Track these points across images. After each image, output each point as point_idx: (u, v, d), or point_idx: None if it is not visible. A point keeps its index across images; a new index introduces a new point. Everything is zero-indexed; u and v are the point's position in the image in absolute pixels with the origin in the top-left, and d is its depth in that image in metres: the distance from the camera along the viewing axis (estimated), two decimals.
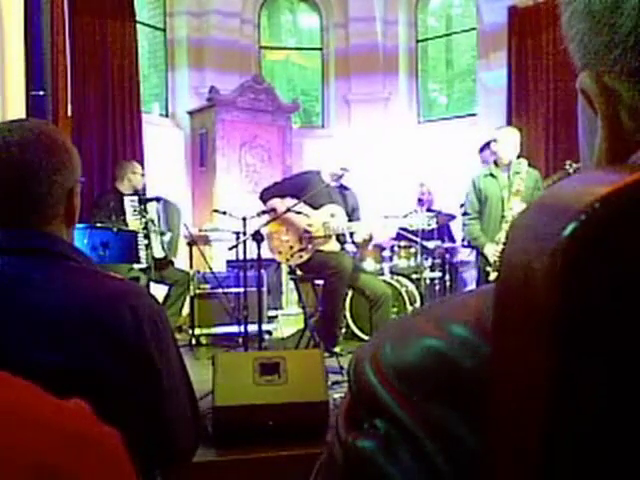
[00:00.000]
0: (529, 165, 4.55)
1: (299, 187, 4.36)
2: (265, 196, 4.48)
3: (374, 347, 0.41)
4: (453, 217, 6.13)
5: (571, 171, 4.54)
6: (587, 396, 0.29)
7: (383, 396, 0.38)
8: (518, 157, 4.52)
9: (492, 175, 4.54)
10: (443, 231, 6.18)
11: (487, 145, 5.74)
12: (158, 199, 5.19)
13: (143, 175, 5.38)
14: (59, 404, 0.54)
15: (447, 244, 6.14)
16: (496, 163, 4.57)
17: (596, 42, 0.38)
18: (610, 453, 0.29)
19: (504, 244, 0.35)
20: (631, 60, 0.36)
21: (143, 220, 4.98)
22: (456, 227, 6.14)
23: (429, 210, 6.30)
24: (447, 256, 6.07)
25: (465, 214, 4.67)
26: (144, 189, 5.79)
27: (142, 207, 5.04)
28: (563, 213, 0.30)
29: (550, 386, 0.30)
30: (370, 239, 4.62)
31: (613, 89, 0.38)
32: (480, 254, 4.57)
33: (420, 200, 6.65)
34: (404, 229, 5.53)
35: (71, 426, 0.51)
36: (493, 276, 4.37)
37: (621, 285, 0.29)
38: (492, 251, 4.39)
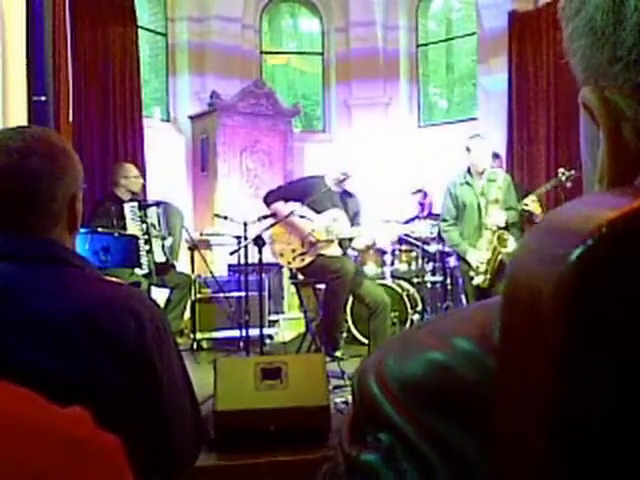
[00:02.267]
0: (506, 171, 4.64)
1: (303, 191, 4.38)
2: (269, 199, 4.49)
3: (378, 360, 0.41)
4: None
5: (563, 179, 4.58)
6: (592, 416, 0.29)
7: (387, 409, 0.38)
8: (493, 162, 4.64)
9: (467, 183, 4.62)
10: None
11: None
12: (158, 204, 5.16)
13: (137, 177, 5.23)
14: (59, 412, 0.54)
15: (448, 248, 6.13)
16: (470, 171, 4.64)
17: (598, 57, 0.38)
18: (613, 467, 0.29)
19: (510, 264, 0.35)
20: (633, 75, 0.36)
21: (144, 226, 4.97)
22: None
23: (430, 214, 6.30)
24: (446, 260, 6.07)
25: (443, 221, 4.73)
26: (144, 193, 5.78)
27: (142, 212, 5.03)
28: (570, 237, 0.30)
29: (555, 409, 0.30)
30: (373, 245, 4.63)
31: (615, 104, 0.38)
32: (462, 259, 4.63)
33: (421, 204, 6.66)
34: (406, 235, 5.54)
35: (71, 433, 0.51)
36: (476, 280, 4.43)
37: (628, 309, 0.29)
38: (475, 257, 4.46)
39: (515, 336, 0.33)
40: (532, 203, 4.56)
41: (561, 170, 4.68)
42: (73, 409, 0.55)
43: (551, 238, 0.32)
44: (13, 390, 0.54)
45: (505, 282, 0.35)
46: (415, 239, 5.42)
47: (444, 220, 4.72)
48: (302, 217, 4.27)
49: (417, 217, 6.16)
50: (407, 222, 5.83)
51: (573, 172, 4.54)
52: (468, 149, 4.60)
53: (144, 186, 6.40)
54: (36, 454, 0.48)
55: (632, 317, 0.29)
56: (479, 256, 4.43)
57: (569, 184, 4.54)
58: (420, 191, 6.77)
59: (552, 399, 0.30)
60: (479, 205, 4.54)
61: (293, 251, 4.39)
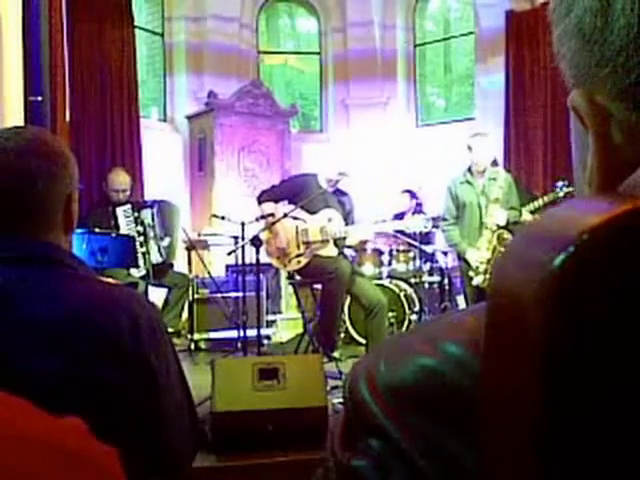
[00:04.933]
0: (507, 171, 4.63)
1: (296, 190, 4.38)
2: (262, 199, 4.49)
3: (369, 365, 0.41)
4: None
5: (561, 195, 4.60)
6: (574, 425, 0.29)
7: (378, 415, 0.38)
8: (493, 164, 4.60)
9: (468, 182, 4.59)
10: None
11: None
12: (152, 205, 5.14)
13: (116, 191, 5.13)
14: (54, 422, 0.53)
15: (447, 247, 6.13)
16: (470, 170, 4.61)
17: (586, 60, 0.38)
18: (599, 468, 0.29)
19: (493, 270, 0.35)
20: (621, 78, 0.36)
21: (139, 227, 4.97)
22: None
23: (419, 213, 6.29)
24: (441, 260, 6.06)
25: (443, 220, 4.71)
26: (141, 194, 5.75)
27: (136, 214, 5.02)
28: (551, 243, 0.30)
29: (537, 414, 0.30)
30: (366, 241, 4.63)
31: (604, 107, 0.38)
32: (462, 259, 4.61)
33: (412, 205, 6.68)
34: (401, 232, 5.52)
35: (65, 444, 0.51)
36: (476, 281, 4.42)
37: (609, 316, 0.29)
38: (474, 257, 4.44)
39: (498, 343, 0.33)
40: (526, 214, 4.58)
41: (559, 184, 4.68)
42: (68, 419, 0.55)
43: (533, 244, 0.32)
44: (6, 399, 0.54)
45: (488, 288, 0.35)
46: (410, 236, 5.40)
47: (444, 219, 4.70)
48: (295, 219, 4.26)
49: (413, 213, 6.17)
50: (400, 219, 5.80)
51: (572, 189, 4.54)
52: (469, 147, 4.56)
53: (141, 186, 6.41)
54: (29, 464, 0.47)
55: (614, 323, 0.29)
56: (478, 256, 4.41)
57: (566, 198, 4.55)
58: (408, 192, 6.77)
59: (536, 406, 0.30)
60: (479, 204, 4.52)
61: (288, 254, 4.39)
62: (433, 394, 0.37)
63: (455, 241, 4.62)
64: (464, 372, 0.37)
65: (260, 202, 4.48)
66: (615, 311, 0.29)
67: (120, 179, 5.19)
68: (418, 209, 6.56)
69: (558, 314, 0.29)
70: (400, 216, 6.01)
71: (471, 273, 4.46)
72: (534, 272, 0.30)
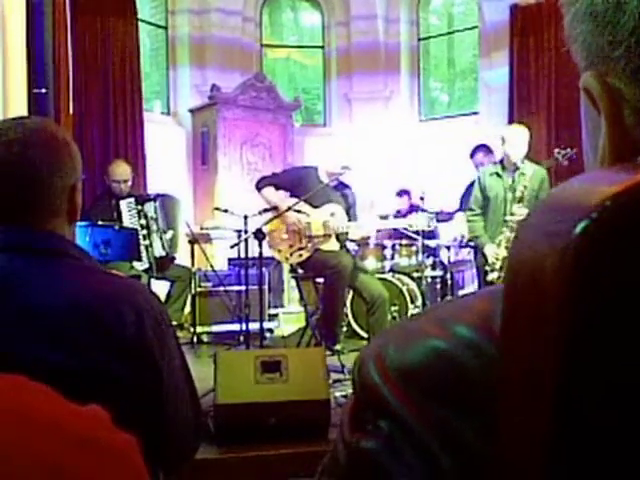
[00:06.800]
0: (537, 163, 4.52)
1: (295, 181, 4.37)
2: (260, 184, 4.46)
3: (378, 348, 0.41)
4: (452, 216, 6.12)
5: (560, 158, 4.47)
6: (596, 398, 0.29)
7: (387, 397, 0.38)
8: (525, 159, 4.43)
9: (497, 174, 4.46)
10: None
11: (477, 149, 5.71)
12: (155, 198, 5.14)
13: (117, 182, 5.02)
14: (75, 409, 0.54)
15: (449, 243, 6.13)
16: (502, 163, 4.48)
17: (599, 42, 0.38)
18: (615, 461, 0.29)
19: (513, 243, 0.34)
20: (633, 59, 0.36)
21: (143, 221, 4.97)
22: (445, 226, 6.14)
23: (417, 209, 6.27)
24: (439, 255, 6.05)
25: (469, 210, 4.61)
26: (144, 187, 5.75)
27: (140, 207, 5.01)
28: (573, 211, 0.30)
29: (558, 386, 0.30)
30: (368, 237, 4.62)
31: (616, 88, 0.38)
32: (480, 253, 4.54)
33: (410, 204, 6.67)
34: (404, 229, 5.52)
35: (87, 431, 0.51)
36: (491, 276, 4.36)
37: (631, 283, 0.28)
38: (492, 252, 4.36)
39: (518, 314, 0.33)
40: None
41: (556, 150, 4.58)
42: (91, 408, 0.55)
43: (554, 213, 0.32)
44: (29, 385, 0.54)
45: (508, 259, 0.34)
46: (414, 232, 5.39)
47: (470, 209, 4.59)
48: (298, 212, 4.26)
49: (415, 210, 6.16)
50: (404, 217, 5.79)
51: (569, 150, 4.43)
52: (503, 139, 4.40)
53: (144, 179, 6.41)
54: (50, 450, 0.47)
55: (637, 291, 0.28)
56: (495, 252, 4.32)
57: (566, 162, 4.46)
58: (405, 192, 6.74)
59: (556, 378, 0.30)
60: (505, 199, 4.39)
61: (290, 247, 4.39)
62: (443, 376, 0.37)
63: (477, 233, 4.52)
64: (474, 354, 0.37)
65: (259, 188, 4.44)
66: (637, 278, 0.28)
67: (120, 170, 5.14)
68: (413, 209, 6.53)
69: (580, 281, 0.29)
70: (399, 214, 6.01)
71: (487, 268, 4.39)
72: (555, 240, 0.30)
